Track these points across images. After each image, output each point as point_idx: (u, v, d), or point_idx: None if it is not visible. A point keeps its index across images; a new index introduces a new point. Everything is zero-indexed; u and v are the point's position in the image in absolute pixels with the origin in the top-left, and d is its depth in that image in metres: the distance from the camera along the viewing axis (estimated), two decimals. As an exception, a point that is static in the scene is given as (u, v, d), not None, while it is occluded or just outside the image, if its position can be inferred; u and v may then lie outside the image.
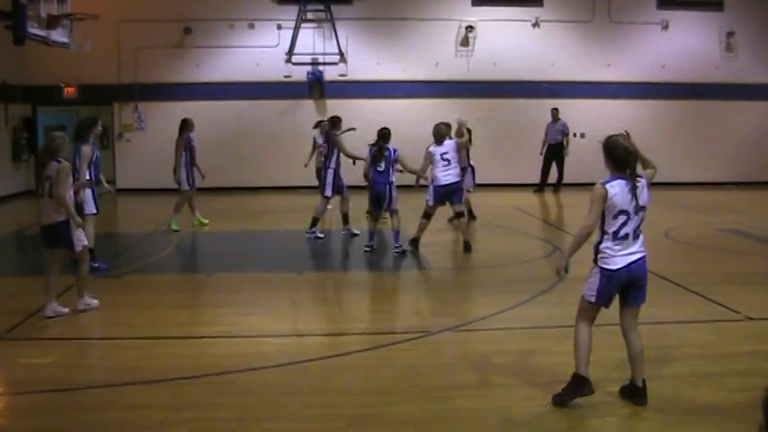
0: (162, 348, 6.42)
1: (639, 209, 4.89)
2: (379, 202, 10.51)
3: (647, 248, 4.98)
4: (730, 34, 20.48)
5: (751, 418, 2.12)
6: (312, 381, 5.66)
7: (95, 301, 7.56)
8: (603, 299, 4.97)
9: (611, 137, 5.04)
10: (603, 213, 4.89)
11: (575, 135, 19.10)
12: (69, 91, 18.95)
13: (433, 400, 5.25)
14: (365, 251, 10.64)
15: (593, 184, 5.02)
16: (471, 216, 13.43)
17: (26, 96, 18.87)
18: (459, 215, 11.09)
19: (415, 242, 10.82)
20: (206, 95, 19.22)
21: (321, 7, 19.04)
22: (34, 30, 12.16)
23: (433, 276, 9.84)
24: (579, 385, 5.05)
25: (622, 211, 4.85)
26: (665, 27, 20.37)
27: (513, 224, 13.29)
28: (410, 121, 17.77)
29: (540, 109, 19.28)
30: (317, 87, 19.62)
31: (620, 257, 4.88)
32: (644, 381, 5.09)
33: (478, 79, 19.74)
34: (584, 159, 15.09)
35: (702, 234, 12.52)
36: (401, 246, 10.52)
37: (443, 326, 7.06)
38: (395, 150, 10.60)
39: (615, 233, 4.88)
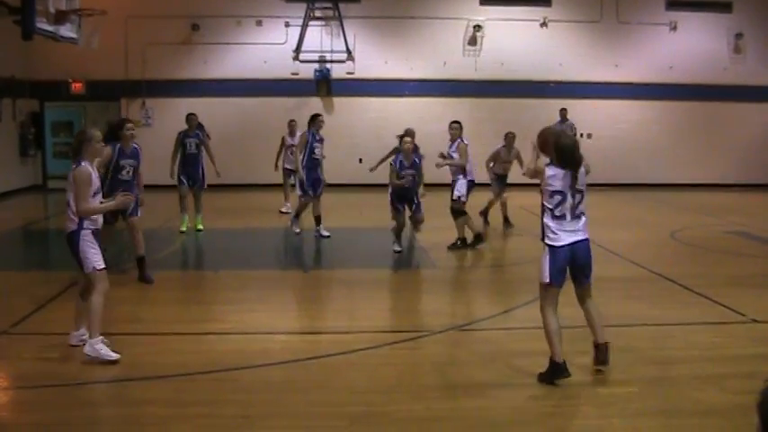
0: (167, 344, 6.45)
1: (576, 191, 5.40)
2: (410, 200, 10.48)
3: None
4: (738, 36, 20.46)
5: (755, 421, 2.12)
6: (316, 378, 5.67)
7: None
8: (555, 278, 5.38)
9: (560, 138, 5.74)
10: (543, 190, 5.45)
11: (582, 135, 19.02)
12: (77, 86, 19.01)
13: (437, 399, 5.26)
14: (397, 252, 10.58)
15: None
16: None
17: (33, 91, 18.94)
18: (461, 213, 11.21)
19: (479, 237, 10.96)
20: (213, 92, 19.26)
21: (329, 5, 19.07)
22: (42, 25, 12.17)
23: (438, 275, 9.83)
24: (557, 371, 5.37)
25: (558, 192, 5.37)
26: (674, 28, 20.34)
27: (519, 224, 13.24)
28: (417, 119, 17.72)
29: (547, 109, 19.19)
30: (324, 85, 19.66)
31: (562, 234, 5.36)
32: (606, 344, 5.52)
33: (486, 78, 19.76)
34: (591, 160, 15.04)
35: (708, 236, 12.48)
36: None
37: (448, 325, 7.07)
38: (421, 158, 10.59)
39: (552, 210, 5.39)
